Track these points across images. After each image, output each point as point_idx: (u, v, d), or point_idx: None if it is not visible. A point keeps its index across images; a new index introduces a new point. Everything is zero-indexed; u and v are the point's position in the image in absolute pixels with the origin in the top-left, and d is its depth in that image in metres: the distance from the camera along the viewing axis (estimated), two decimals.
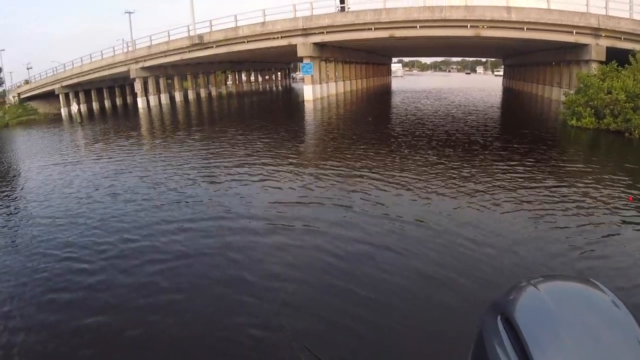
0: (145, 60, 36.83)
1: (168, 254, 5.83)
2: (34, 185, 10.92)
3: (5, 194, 10.36)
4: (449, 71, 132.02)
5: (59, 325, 4.26)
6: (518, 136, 14.37)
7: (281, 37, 27.78)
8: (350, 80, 38.30)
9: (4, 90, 59.81)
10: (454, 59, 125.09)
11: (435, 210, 7.15)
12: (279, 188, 8.99)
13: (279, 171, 10.55)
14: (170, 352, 3.83)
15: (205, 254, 5.82)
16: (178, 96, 41.66)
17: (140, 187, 9.71)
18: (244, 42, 29.15)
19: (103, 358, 3.81)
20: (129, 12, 44.91)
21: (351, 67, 38.56)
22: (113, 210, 7.94)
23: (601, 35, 20.67)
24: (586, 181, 8.69)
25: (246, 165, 11.27)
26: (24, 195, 10.11)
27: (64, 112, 47.71)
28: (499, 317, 1.56)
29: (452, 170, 9.72)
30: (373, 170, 10.00)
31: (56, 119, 43.37)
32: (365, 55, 41.49)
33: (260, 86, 60.93)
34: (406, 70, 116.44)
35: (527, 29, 21.96)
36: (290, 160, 12.00)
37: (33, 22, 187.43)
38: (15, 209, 8.99)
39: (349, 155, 12.00)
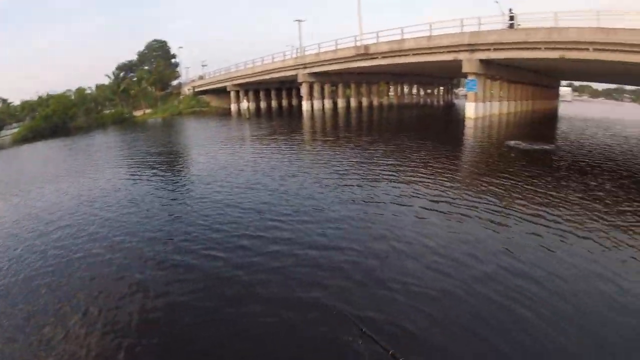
0: (312, 67, 40.20)
1: None
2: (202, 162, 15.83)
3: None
4: (622, 100, 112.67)
5: None
6: None
7: (447, 52, 27.83)
8: (514, 101, 35.82)
9: (180, 83, 71.30)
10: (628, 87, 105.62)
11: None
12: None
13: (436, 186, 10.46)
14: None
15: None
16: (340, 103, 44.27)
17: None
18: (409, 55, 30.01)
19: None
20: (299, 20, 47.86)
21: (517, 87, 36.17)
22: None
23: None
24: None
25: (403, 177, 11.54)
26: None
27: (233, 107, 54.16)
28: None
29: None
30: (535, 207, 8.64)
31: (226, 113, 49.32)
32: (533, 75, 38.55)
33: (421, 99, 61.14)
34: (575, 95, 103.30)
35: None
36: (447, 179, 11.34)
37: (209, 26, 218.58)
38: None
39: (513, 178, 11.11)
